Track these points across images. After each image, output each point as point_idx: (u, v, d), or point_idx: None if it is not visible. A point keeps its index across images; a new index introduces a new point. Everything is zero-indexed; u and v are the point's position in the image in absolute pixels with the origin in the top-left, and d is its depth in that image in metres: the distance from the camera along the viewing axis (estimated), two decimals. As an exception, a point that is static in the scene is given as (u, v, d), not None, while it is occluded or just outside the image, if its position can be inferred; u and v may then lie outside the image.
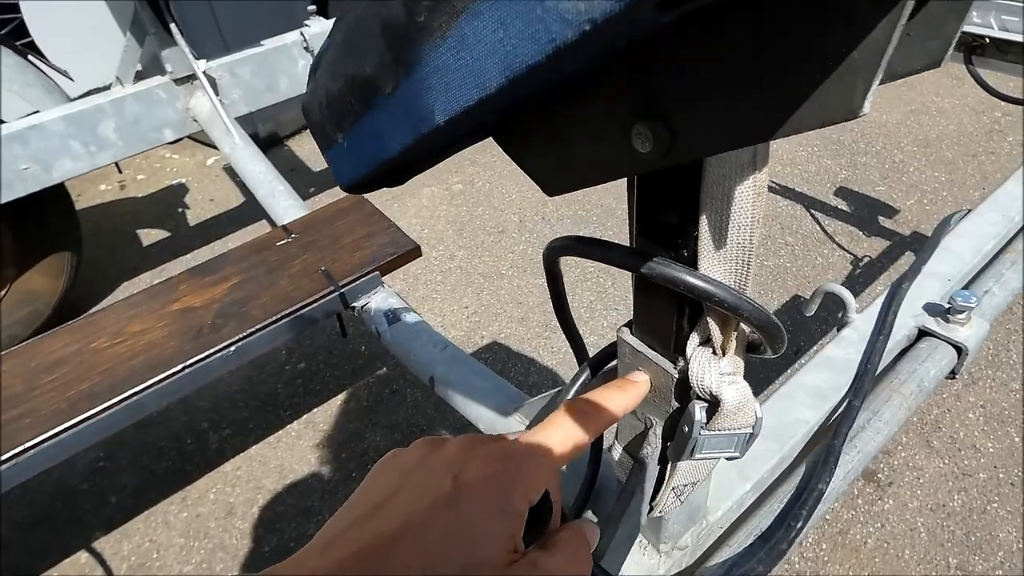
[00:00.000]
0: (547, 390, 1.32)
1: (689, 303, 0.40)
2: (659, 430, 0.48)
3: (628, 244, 0.41)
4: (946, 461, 1.38)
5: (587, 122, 0.31)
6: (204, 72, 1.71)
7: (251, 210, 2.58)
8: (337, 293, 1.19)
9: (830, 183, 2.35)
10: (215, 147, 3.00)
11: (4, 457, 0.97)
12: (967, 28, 1.54)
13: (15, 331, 1.92)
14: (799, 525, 0.59)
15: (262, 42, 1.88)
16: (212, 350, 1.10)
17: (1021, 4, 1.50)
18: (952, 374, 0.79)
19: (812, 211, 2.23)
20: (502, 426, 0.89)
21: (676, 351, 0.43)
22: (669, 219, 0.37)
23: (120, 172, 2.71)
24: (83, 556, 1.43)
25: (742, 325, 0.40)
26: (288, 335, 1.17)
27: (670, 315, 0.41)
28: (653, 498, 0.51)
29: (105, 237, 2.50)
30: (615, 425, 0.55)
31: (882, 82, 0.22)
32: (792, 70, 0.22)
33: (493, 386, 0.97)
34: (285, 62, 1.89)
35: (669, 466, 0.49)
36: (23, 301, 1.95)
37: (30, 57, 1.83)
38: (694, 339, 0.41)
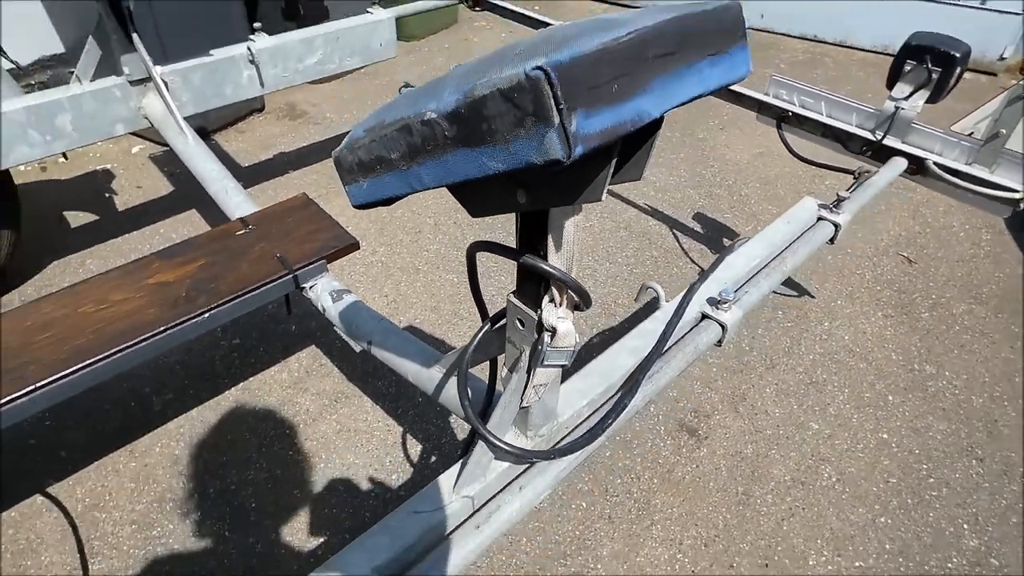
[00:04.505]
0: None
1: (544, 279, 0.77)
2: (527, 352, 0.85)
3: (515, 247, 0.78)
4: (746, 422, 1.88)
5: (496, 188, 0.68)
6: (160, 76, 1.93)
7: (179, 200, 2.74)
8: (291, 276, 1.49)
9: (690, 208, 2.88)
10: (142, 136, 3.12)
11: (9, 398, 1.19)
12: (777, 102, 2.07)
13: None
14: (611, 422, 0.99)
15: (211, 52, 2.10)
16: (187, 316, 1.36)
17: (817, 90, 2.04)
18: (719, 343, 1.23)
19: (674, 231, 2.74)
20: (426, 376, 1.24)
21: (536, 306, 0.80)
22: (533, 235, 0.74)
23: (66, 158, 2.77)
24: (38, 499, 1.61)
25: (570, 292, 0.78)
26: (249, 308, 1.45)
27: (534, 285, 0.79)
28: (523, 393, 0.88)
29: (29, 217, 2.57)
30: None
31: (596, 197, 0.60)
32: (576, 188, 0.59)
33: (417, 348, 1.32)
34: (233, 72, 2.12)
35: (531, 373, 0.86)
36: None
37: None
38: (546, 299, 0.79)
